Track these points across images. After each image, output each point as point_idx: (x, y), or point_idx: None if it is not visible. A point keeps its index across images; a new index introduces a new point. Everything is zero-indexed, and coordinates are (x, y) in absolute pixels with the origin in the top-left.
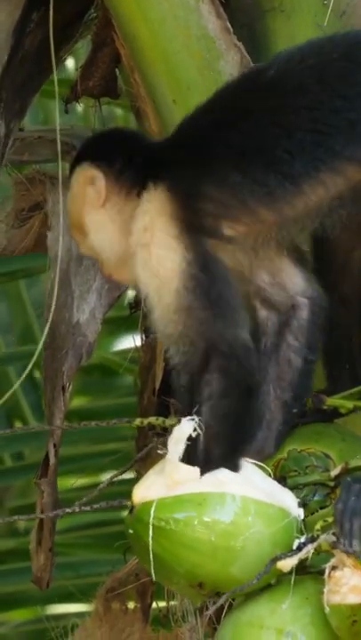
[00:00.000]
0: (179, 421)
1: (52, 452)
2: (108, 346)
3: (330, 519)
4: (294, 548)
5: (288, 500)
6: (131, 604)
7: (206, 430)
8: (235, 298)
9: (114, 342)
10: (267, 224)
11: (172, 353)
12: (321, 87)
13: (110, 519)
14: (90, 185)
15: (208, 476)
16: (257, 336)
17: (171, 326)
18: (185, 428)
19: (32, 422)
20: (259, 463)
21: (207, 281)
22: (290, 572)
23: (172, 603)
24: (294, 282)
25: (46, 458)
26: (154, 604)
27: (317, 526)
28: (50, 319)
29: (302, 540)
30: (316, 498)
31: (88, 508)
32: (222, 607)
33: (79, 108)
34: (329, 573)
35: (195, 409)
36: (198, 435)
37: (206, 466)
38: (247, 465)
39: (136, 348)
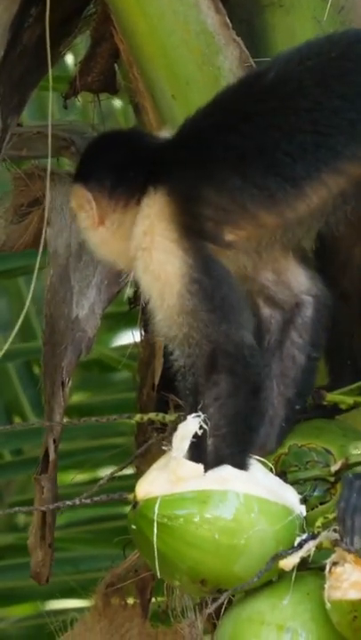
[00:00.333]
0: (179, 417)
1: (51, 448)
2: (107, 341)
3: (330, 515)
4: (295, 545)
5: (291, 498)
6: (130, 600)
7: (215, 431)
8: (238, 300)
9: (113, 338)
10: (269, 228)
11: (177, 355)
12: (320, 88)
13: (110, 515)
14: (84, 208)
15: (212, 472)
16: (260, 333)
17: (175, 329)
18: (190, 426)
19: (31, 418)
20: (261, 459)
21: (210, 284)
22: (291, 569)
23: (171, 598)
24: (299, 280)
25: (46, 453)
26: (153, 600)
27: (318, 523)
28: (47, 314)
29: (303, 537)
30: (316, 493)
31: (88, 501)
32: (222, 603)
33: (78, 103)
34: (330, 569)
35: (200, 407)
36: (205, 435)
37: (216, 466)
38: (251, 460)
39: (135, 344)
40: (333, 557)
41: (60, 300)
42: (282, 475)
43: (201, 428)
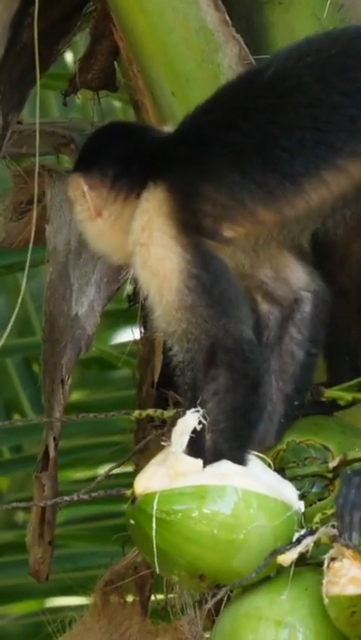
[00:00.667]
0: (178, 413)
1: (51, 445)
2: (106, 339)
3: (328, 511)
4: (294, 540)
5: (289, 493)
6: (129, 597)
7: (213, 426)
8: (237, 295)
9: (112, 335)
10: (267, 225)
11: (175, 350)
12: (320, 84)
13: (109, 512)
14: (81, 197)
15: (210, 468)
16: (259, 329)
17: (174, 324)
18: (189, 421)
19: (31, 415)
20: (259, 454)
21: (209, 279)
22: (289, 564)
23: (170, 595)
24: (297, 276)
25: (46, 451)
26: (152, 597)
27: (316, 519)
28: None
29: (302, 532)
30: (314, 489)
31: (87, 497)
32: (221, 599)
33: (78, 100)
34: (328, 564)
35: (198, 402)
36: (203, 430)
37: (214, 461)
38: (250, 456)
39: (135, 341)
40: (332, 553)
41: (60, 298)
42: (280, 471)
43: (200, 423)
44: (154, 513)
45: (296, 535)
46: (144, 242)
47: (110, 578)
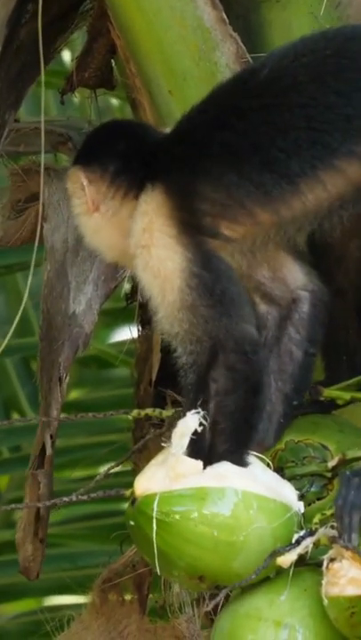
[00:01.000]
0: (176, 412)
1: (48, 444)
2: (104, 338)
3: (327, 512)
4: (293, 541)
5: (289, 494)
6: (127, 596)
7: (213, 427)
8: (239, 294)
9: (110, 334)
10: (264, 225)
11: (179, 352)
12: (315, 84)
13: (107, 511)
14: (80, 191)
15: (210, 469)
16: (257, 330)
17: (176, 325)
18: (190, 422)
19: (30, 414)
20: (258, 454)
21: (210, 279)
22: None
23: (168, 594)
24: (295, 276)
25: (42, 449)
26: (151, 596)
27: (315, 519)
28: (44, 310)
29: (301, 533)
30: (313, 489)
31: (85, 498)
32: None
33: (75, 99)
34: (327, 565)
35: (198, 403)
36: (204, 431)
37: (214, 463)
38: (250, 457)
39: (132, 340)
40: (331, 553)
41: (57, 296)
42: (279, 470)
43: (200, 424)
44: (154, 515)
45: (295, 536)
46: (145, 244)
47: (108, 576)
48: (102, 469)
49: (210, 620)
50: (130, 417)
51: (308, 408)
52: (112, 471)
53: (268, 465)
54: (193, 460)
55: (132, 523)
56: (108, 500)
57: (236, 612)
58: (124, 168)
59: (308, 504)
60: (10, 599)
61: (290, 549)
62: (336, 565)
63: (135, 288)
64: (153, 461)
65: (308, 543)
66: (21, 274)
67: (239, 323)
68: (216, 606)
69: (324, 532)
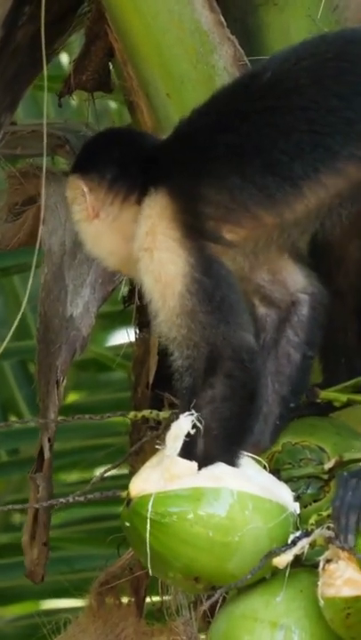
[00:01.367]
0: (172, 415)
1: (46, 447)
2: (102, 341)
3: (324, 513)
4: (289, 542)
5: (285, 495)
6: (124, 599)
7: (206, 432)
8: (238, 301)
9: (108, 337)
10: (267, 228)
11: (175, 356)
12: (316, 88)
13: (104, 514)
14: (79, 198)
15: (205, 470)
16: (256, 332)
17: (175, 330)
18: (183, 425)
19: (28, 417)
20: (254, 456)
21: (210, 284)
22: (284, 566)
23: (166, 597)
24: (295, 279)
25: (41, 452)
26: (148, 598)
27: (312, 520)
28: (42, 312)
29: (297, 534)
30: (309, 491)
31: (82, 499)
32: (216, 600)
33: (73, 102)
34: (323, 566)
35: (192, 405)
36: (197, 434)
37: (206, 465)
38: (244, 458)
39: (130, 343)
40: (327, 554)
41: (55, 299)
42: (275, 472)
43: (194, 427)
44: (149, 515)
45: (291, 537)
46: (148, 246)
47: (106, 579)
48: (99, 472)
49: (207, 622)
50: (126, 419)
51: (305, 410)
52: (109, 474)
53: (264, 467)
54: (188, 462)
55: (127, 524)
56: (105, 504)
57: (232, 613)
58: (122, 174)
59: (304, 506)
60: (7, 602)
61: (286, 550)
62: (332, 566)
63: (133, 291)
64: (148, 464)
65: (304, 544)
66: (19, 276)
67: (237, 330)
68: (213, 608)
69: (320, 533)
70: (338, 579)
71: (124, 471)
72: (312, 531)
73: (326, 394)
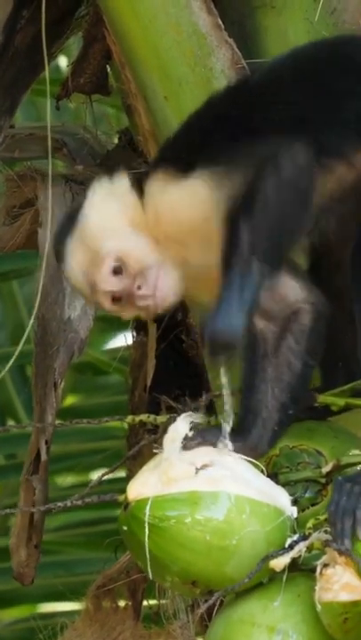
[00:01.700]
0: (170, 418)
1: (43, 449)
2: (99, 344)
3: (321, 517)
4: (286, 546)
5: (282, 499)
6: (121, 602)
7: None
8: None
9: (105, 340)
10: None
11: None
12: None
13: (101, 518)
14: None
15: (203, 473)
16: (256, 343)
17: None
18: (180, 427)
19: (25, 421)
20: (252, 460)
21: None
22: (282, 570)
23: (163, 600)
24: (295, 292)
25: (37, 455)
26: (145, 602)
27: (309, 524)
28: (39, 315)
29: (294, 538)
30: (307, 495)
31: (80, 503)
32: (214, 604)
33: (71, 105)
34: (321, 571)
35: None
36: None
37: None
38: (242, 462)
39: (127, 346)
40: (324, 559)
41: (52, 302)
42: (273, 476)
43: (191, 429)
44: (146, 519)
45: (288, 541)
46: None
47: (102, 582)
48: (97, 476)
49: (204, 626)
50: (124, 423)
51: (303, 414)
52: (106, 478)
53: (261, 471)
54: (185, 465)
55: (124, 527)
56: (101, 507)
57: (229, 618)
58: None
59: (301, 510)
60: (4, 606)
61: (283, 553)
62: (329, 571)
63: None
64: (145, 467)
65: (301, 547)
66: (16, 280)
67: None
68: (210, 612)
69: (317, 537)
70: (335, 583)
71: (122, 474)
72: (310, 534)
73: (324, 398)
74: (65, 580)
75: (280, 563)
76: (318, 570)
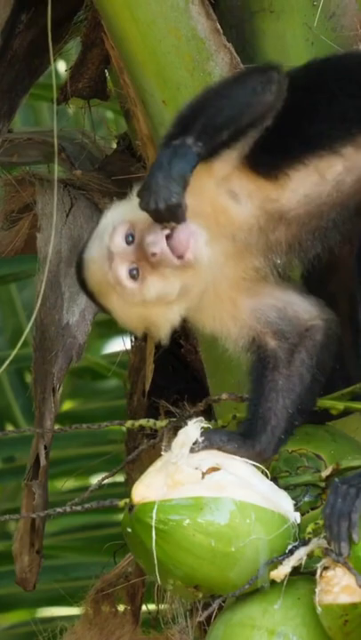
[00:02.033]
0: (169, 423)
1: (42, 454)
2: (98, 349)
3: (321, 521)
4: (287, 551)
5: (285, 505)
6: (121, 607)
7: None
8: None
9: (104, 345)
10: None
11: None
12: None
13: (100, 522)
14: None
15: (209, 477)
16: (266, 359)
17: None
18: (190, 432)
19: (24, 425)
20: (256, 464)
21: None
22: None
23: (162, 605)
24: (306, 310)
25: (37, 459)
26: (144, 606)
27: (309, 529)
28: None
29: (295, 543)
30: (306, 499)
31: (79, 508)
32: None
33: (69, 110)
34: (321, 574)
35: None
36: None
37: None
38: (247, 466)
39: (126, 351)
40: (324, 562)
41: (51, 307)
42: (273, 481)
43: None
44: (153, 523)
45: (289, 546)
46: None
47: (102, 587)
48: (96, 481)
49: (203, 630)
50: (123, 428)
51: None
52: (105, 482)
53: (265, 475)
54: (192, 469)
55: (128, 530)
56: (100, 512)
57: (229, 621)
58: None
59: (302, 514)
60: (3, 610)
61: (284, 559)
62: (329, 574)
63: None
64: (151, 468)
65: (301, 554)
66: (15, 284)
67: None
68: (209, 617)
69: (317, 543)
70: (335, 586)
71: (120, 479)
72: (309, 540)
73: (323, 402)
74: (64, 585)
75: (280, 573)
76: (318, 572)
